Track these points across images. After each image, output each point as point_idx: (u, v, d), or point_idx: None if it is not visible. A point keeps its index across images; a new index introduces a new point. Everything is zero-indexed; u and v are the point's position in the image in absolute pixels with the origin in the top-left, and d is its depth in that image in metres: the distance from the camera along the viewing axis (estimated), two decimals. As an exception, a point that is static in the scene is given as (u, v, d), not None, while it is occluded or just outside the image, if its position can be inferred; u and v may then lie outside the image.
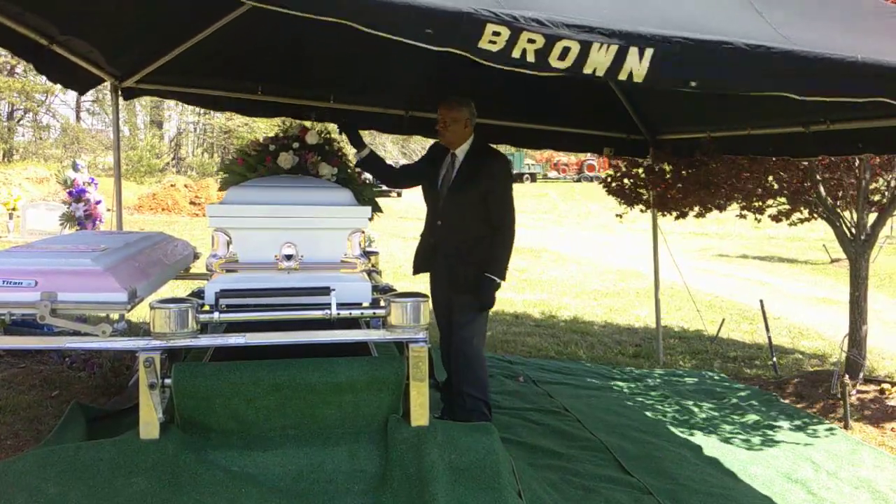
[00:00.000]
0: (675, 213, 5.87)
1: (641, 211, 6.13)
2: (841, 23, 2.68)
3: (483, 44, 2.08)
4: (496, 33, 2.06)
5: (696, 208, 5.77)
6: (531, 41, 2.10)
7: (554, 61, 2.16)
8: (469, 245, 3.64)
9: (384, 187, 4.76)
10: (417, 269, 3.92)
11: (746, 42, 2.26)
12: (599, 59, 2.17)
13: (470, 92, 3.82)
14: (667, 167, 5.78)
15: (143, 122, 37.03)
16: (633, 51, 2.18)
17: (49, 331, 3.10)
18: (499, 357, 5.88)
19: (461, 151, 3.70)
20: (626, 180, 6.03)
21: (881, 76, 2.35)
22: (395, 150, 37.44)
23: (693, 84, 2.28)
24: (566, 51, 2.14)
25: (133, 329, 4.99)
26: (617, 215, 6.25)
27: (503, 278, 3.60)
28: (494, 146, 3.99)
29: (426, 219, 3.87)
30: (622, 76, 2.21)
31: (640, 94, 5.43)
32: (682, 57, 2.21)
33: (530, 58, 2.14)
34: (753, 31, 2.38)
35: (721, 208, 5.74)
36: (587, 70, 2.19)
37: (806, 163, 5.20)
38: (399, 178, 4.22)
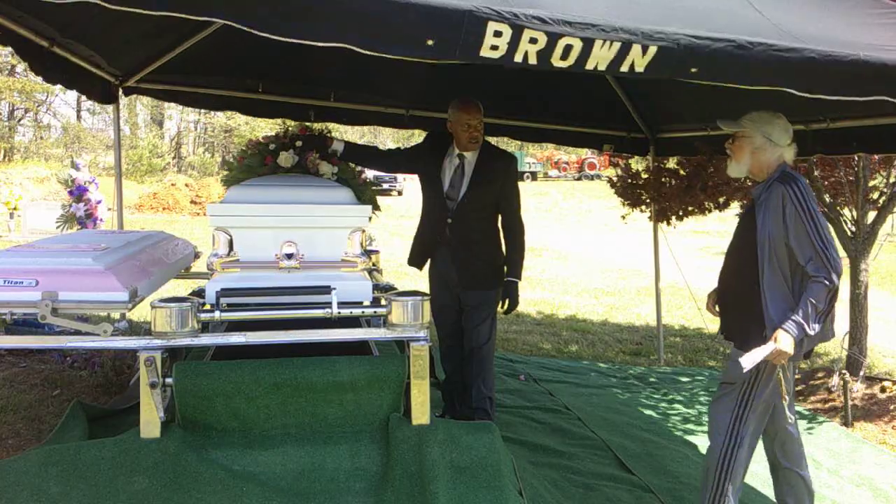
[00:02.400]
0: (678, 215, 5.89)
1: (641, 211, 6.12)
2: (842, 20, 2.68)
3: (485, 51, 2.09)
4: (498, 32, 2.06)
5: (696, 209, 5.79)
6: (533, 40, 2.10)
7: (556, 61, 2.17)
8: (478, 243, 3.68)
9: (385, 186, 4.76)
10: (414, 263, 3.92)
11: (749, 39, 2.26)
12: (602, 56, 2.18)
13: (471, 89, 3.81)
14: (665, 175, 5.79)
15: (143, 120, 37.11)
16: (636, 47, 2.18)
17: (50, 330, 3.10)
18: (500, 355, 5.86)
19: (472, 153, 3.64)
20: (630, 180, 6.05)
21: (882, 74, 2.35)
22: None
23: (693, 70, 2.28)
24: (568, 50, 2.14)
25: (134, 328, 4.99)
26: (622, 216, 6.25)
27: (520, 278, 3.70)
28: (494, 142, 3.98)
29: (426, 216, 3.84)
30: (624, 68, 2.22)
31: (640, 92, 5.43)
32: (684, 52, 2.22)
33: (532, 60, 2.15)
34: (754, 28, 2.39)
35: (721, 208, 5.74)
36: (589, 66, 2.20)
37: (805, 164, 5.19)
38: (388, 163, 4.16)
